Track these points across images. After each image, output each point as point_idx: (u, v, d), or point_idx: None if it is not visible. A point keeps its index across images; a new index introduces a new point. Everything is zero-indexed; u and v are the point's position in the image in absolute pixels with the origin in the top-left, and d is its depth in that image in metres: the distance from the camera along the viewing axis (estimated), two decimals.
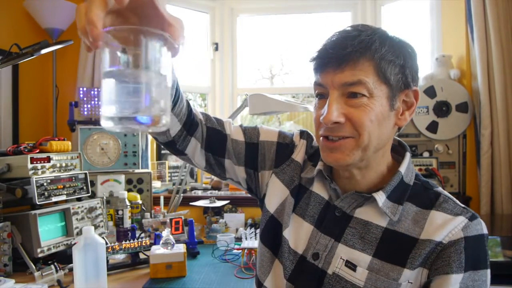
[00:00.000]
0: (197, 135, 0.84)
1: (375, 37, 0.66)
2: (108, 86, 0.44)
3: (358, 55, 0.66)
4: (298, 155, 0.86)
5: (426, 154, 2.10)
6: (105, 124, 0.44)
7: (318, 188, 0.80)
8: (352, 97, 0.67)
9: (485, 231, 0.69)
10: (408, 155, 0.76)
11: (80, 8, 0.43)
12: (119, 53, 0.44)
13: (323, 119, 0.68)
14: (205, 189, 2.35)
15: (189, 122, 0.81)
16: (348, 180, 0.76)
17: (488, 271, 0.68)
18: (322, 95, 0.72)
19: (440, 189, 0.75)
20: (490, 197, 1.99)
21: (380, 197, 0.70)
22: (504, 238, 1.46)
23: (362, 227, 0.72)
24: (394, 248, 0.69)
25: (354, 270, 0.70)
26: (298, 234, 0.78)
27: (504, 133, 1.95)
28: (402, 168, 0.73)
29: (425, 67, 2.34)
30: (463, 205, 0.72)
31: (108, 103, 0.44)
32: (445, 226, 0.67)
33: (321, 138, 0.72)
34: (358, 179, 0.74)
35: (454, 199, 0.73)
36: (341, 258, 0.71)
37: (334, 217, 0.75)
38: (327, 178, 0.78)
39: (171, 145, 0.82)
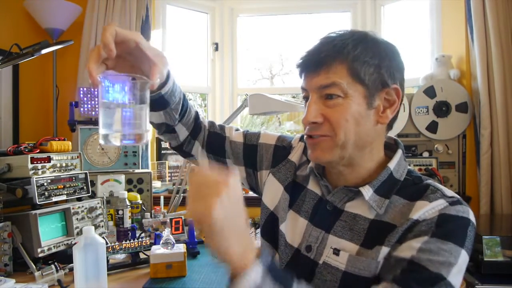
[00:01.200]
0: (200, 138, 0.95)
1: (349, 40, 0.71)
2: (102, 113, 0.60)
3: (331, 59, 0.71)
4: (294, 156, 0.91)
5: (426, 154, 2.10)
6: (100, 141, 0.61)
7: (312, 185, 0.84)
8: (328, 99, 0.72)
9: (471, 217, 0.68)
10: (399, 151, 0.79)
11: (87, 60, 0.61)
12: (111, 91, 0.60)
13: (303, 119, 0.74)
14: None
15: (195, 129, 0.94)
16: (337, 176, 0.79)
17: (463, 251, 0.65)
18: (307, 98, 0.76)
19: (430, 181, 0.75)
20: (490, 197, 1.99)
21: (367, 191, 0.73)
22: (504, 238, 1.46)
23: (351, 220, 0.75)
24: (378, 235, 0.71)
25: (338, 255, 0.73)
26: (294, 229, 0.82)
27: (503, 133, 1.95)
28: (392, 164, 0.76)
29: (425, 67, 2.34)
30: (451, 194, 0.71)
31: (102, 126, 0.60)
32: (424, 207, 0.69)
33: (305, 137, 0.78)
34: (346, 175, 0.78)
35: (444, 190, 0.72)
36: (331, 248, 0.75)
37: (326, 211, 0.79)
38: (317, 175, 0.82)
39: (180, 148, 0.96)
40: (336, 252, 0.74)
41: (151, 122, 0.87)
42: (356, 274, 0.70)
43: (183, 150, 0.96)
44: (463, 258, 0.65)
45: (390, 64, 0.73)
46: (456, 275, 0.64)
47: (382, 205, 0.72)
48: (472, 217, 0.69)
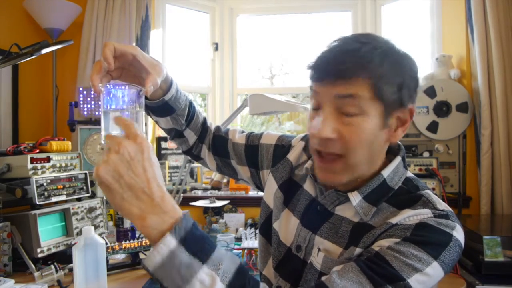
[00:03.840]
0: (206, 141, 1.00)
1: (376, 53, 0.66)
2: (103, 118, 0.68)
3: (355, 72, 0.65)
4: (292, 155, 0.92)
5: (426, 154, 2.09)
6: (103, 142, 0.67)
7: (308, 186, 0.85)
8: (345, 115, 0.67)
9: (455, 234, 0.65)
10: (397, 158, 0.76)
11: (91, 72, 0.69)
12: (109, 98, 0.68)
13: (316, 133, 0.69)
14: (205, 189, 2.34)
15: (202, 133, 0.99)
16: None
17: (435, 264, 0.61)
18: (316, 106, 0.72)
19: (425, 191, 0.72)
20: (490, 197, 1.99)
21: (355, 197, 0.73)
22: (504, 238, 1.46)
23: (339, 223, 0.75)
24: (358, 236, 0.70)
25: (318, 255, 0.74)
26: (287, 228, 0.84)
27: (504, 133, 1.94)
28: (386, 172, 0.74)
29: (425, 67, 2.34)
30: (443, 209, 0.68)
31: (103, 129, 0.68)
32: (406, 213, 0.67)
33: (315, 152, 0.73)
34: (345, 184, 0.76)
35: (437, 202, 0.70)
36: (318, 248, 0.75)
37: (316, 211, 0.79)
38: (311, 176, 0.82)
39: (190, 151, 1.01)
40: (319, 253, 0.74)
41: (161, 128, 0.94)
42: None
43: (192, 153, 1.02)
44: (434, 271, 0.62)
45: (411, 83, 0.69)
46: (419, 283, 0.61)
47: (369, 213, 0.71)
48: (457, 234, 0.65)
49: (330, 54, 0.68)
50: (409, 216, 0.66)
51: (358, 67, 0.65)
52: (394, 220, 0.67)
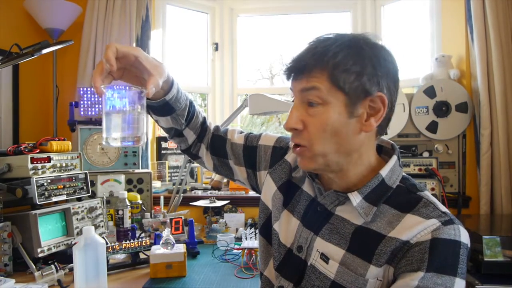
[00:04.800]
0: (204, 141, 1.01)
1: (331, 47, 0.70)
2: (105, 119, 0.70)
3: (311, 66, 0.71)
4: (290, 156, 0.92)
5: (426, 154, 2.10)
6: (103, 143, 0.70)
7: (307, 187, 0.86)
8: (310, 106, 0.72)
9: (462, 239, 0.67)
10: (393, 158, 0.77)
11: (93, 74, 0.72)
12: (112, 100, 0.70)
13: (285, 124, 0.75)
14: (205, 189, 2.35)
15: (201, 133, 1.00)
16: (329, 179, 0.80)
17: (457, 280, 0.64)
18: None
19: (424, 193, 0.74)
20: (490, 197, 1.99)
21: (355, 198, 0.73)
22: (504, 238, 1.46)
23: (340, 223, 0.76)
24: (364, 243, 0.71)
25: (327, 262, 0.74)
26: (287, 229, 0.84)
27: (503, 133, 1.94)
28: (384, 171, 0.75)
29: (425, 67, 2.34)
30: (444, 210, 0.70)
31: (105, 130, 0.70)
32: (414, 227, 0.68)
33: (291, 143, 0.79)
34: (336, 181, 0.78)
35: (437, 203, 0.72)
36: (317, 251, 0.76)
37: (316, 212, 0.80)
38: (308, 177, 0.83)
39: (188, 150, 1.02)
40: (325, 259, 0.74)
41: (161, 127, 0.95)
42: (344, 285, 0.71)
43: (191, 152, 1.02)
44: (458, 286, 0.65)
45: (374, 71, 0.70)
46: None
47: (370, 213, 0.72)
48: (464, 237, 0.68)
49: (295, 57, 0.74)
50: (420, 231, 0.67)
51: (314, 61, 0.70)
52: (404, 235, 0.67)
